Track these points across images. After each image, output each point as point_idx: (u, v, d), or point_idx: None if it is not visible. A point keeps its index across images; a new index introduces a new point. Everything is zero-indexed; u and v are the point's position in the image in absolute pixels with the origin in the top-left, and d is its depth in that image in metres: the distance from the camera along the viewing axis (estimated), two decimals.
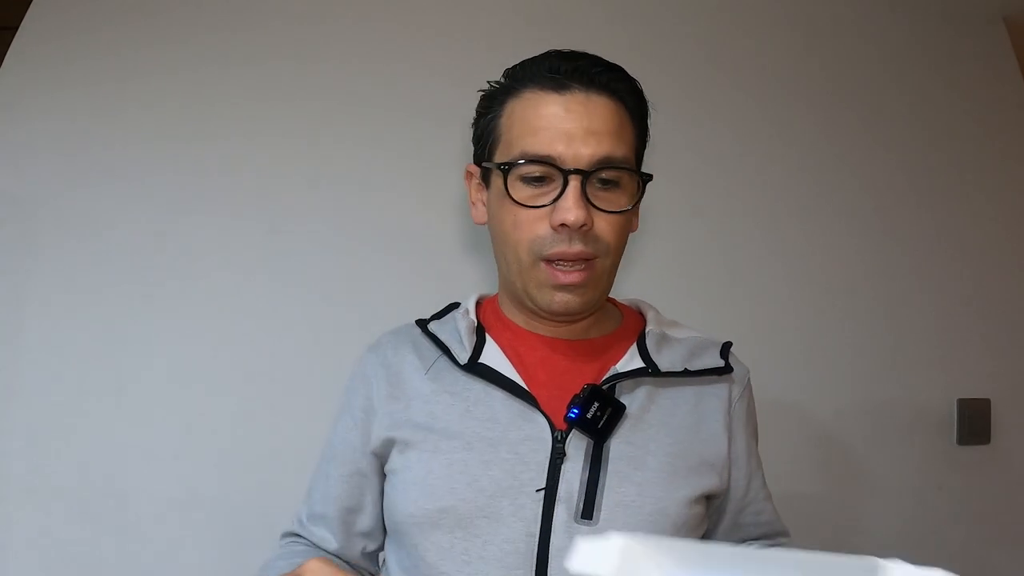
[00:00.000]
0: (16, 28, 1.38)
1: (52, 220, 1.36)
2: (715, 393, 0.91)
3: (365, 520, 0.93)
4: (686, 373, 0.89)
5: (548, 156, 0.81)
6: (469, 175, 0.92)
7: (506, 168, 0.82)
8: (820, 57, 1.59)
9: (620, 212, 0.83)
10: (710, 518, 0.92)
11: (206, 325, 1.38)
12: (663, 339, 0.92)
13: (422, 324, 0.95)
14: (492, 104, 0.87)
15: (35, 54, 1.37)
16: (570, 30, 1.47)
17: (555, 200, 0.81)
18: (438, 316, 0.97)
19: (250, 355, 1.38)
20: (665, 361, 0.89)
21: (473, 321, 0.92)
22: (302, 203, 1.41)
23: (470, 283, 1.36)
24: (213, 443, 1.36)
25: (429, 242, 1.43)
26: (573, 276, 0.83)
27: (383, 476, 0.91)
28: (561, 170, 0.80)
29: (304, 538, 0.96)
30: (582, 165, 0.80)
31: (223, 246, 1.39)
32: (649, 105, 0.89)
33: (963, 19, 1.65)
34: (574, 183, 0.80)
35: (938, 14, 1.64)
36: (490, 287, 0.99)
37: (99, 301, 1.35)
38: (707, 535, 0.94)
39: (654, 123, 0.91)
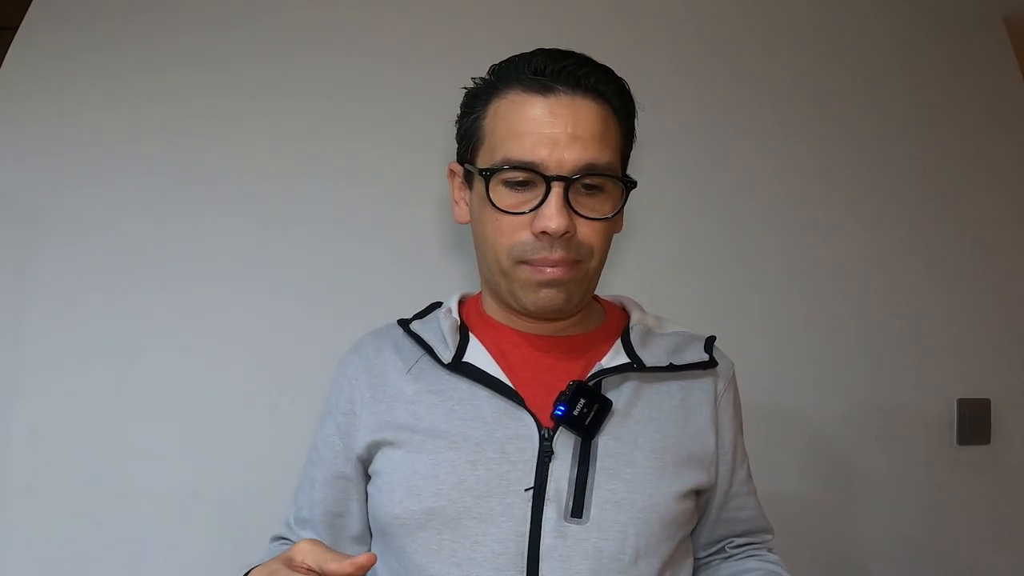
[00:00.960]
0: (16, 28, 1.38)
1: (52, 220, 1.36)
2: (701, 387, 0.91)
3: (353, 524, 0.93)
4: (671, 368, 0.89)
5: (531, 162, 0.79)
6: (452, 174, 0.91)
7: (488, 174, 0.81)
8: (819, 57, 1.58)
9: (603, 219, 0.82)
10: (697, 513, 0.92)
11: (204, 324, 1.38)
12: (647, 334, 0.92)
13: (404, 324, 0.95)
14: (476, 103, 0.86)
15: (35, 54, 1.38)
16: (564, 26, 1.48)
17: (537, 207, 0.80)
18: (420, 316, 0.97)
19: (247, 354, 1.38)
20: (650, 356, 0.89)
21: (456, 320, 0.91)
22: (305, 202, 1.41)
23: (454, 281, 1.37)
24: (213, 443, 1.36)
25: (413, 241, 1.43)
26: (556, 272, 0.82)
27: (367, 478, 0.91)
28: (544, 176, 0.79)
29: (292, 541, 0.94)
30: (565, 171, 0.79)
31: (217, 246, 1.39)
32: (637, 105, 0.88)
33: (963, 19, 1.64)
34: (556, 190, 0.79)
35: (938, 14, 1.64)
36: (473, 285, 0.99)
37: (99, 301, 1.36)
38: (693, 531, 0.94)
39: (653, 120, 0.90)
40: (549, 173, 0.79)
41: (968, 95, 1.63)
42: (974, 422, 1.57)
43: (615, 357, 0.88)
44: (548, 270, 0.81)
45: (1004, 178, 1.63)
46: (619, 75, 0.85)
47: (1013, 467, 1.59)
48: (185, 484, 1.35)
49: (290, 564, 0.69)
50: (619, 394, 0.86)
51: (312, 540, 0.71)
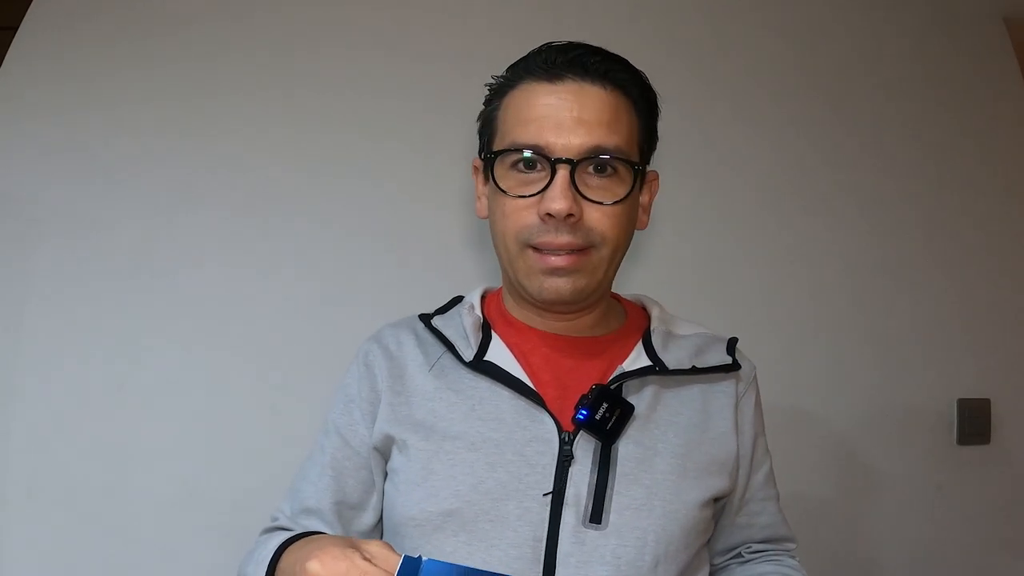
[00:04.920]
0: (16, 28, 1.37)
1: (52, 220, 1.35)
2: (722, 391, 0.89)
3: (366, 518, 0.90)
4: (694, 371, 0.87)
5: (536, 145, 0.80)
6: (475, 170, 0.91)
7: (493, 156, 0.82)
8: (820, 57, 1.58)
9: (612, 203, 0.81)
10: (715, 521, 0.91)
11: (205, 324, 1.37)
12: (669, 336, 0.90)
13: (425, 319, 0.93)
14: (493, 98, 0.87)
15: (35, 54, 1.37)
16: (580, 23, 1.48)
17: (543, 190, 0.80)
18: (442, 311, 0.95)
19: (250, 353, 1.38)
20: (672, 359, 0.87)
21: (479, 317, 0.90)
22: (304, 200, 1.41)
23: (473, 278, 1.36)
24: (213, 443, 1.36)
25: (432, 237, 1.43)
26: (562, 260, 0.81)
27: (384, 474, 0.89)
28: (549, 159, 0.79)
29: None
30: (571, 154, 0.79)
31: (223, 244, 1.39)
32: (658, 96, 0.87)
33: (963, 19, 1.65)
34: (562, 172, 0.79)
35: (938, 14, 1.64)
36: (493, 281, 0.99)
37: (98, 300, 1.35)
38: (710, 537, 0.92)
39: (664, 119, 0.89)
40: (554, 156, 0.79)
41: (968, 94, 1.63)
42: (974, 422, 1.57)
43: (637, 360, 0.87)
44: (553, 258, 0.81)
45: (1004, 178, 1.63)
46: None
47: (1013, 467, 1.60)
48: (185, 484, 1.35)
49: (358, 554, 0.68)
50: (640, 398, 0.85)
51: (382, 543, 0.70)
